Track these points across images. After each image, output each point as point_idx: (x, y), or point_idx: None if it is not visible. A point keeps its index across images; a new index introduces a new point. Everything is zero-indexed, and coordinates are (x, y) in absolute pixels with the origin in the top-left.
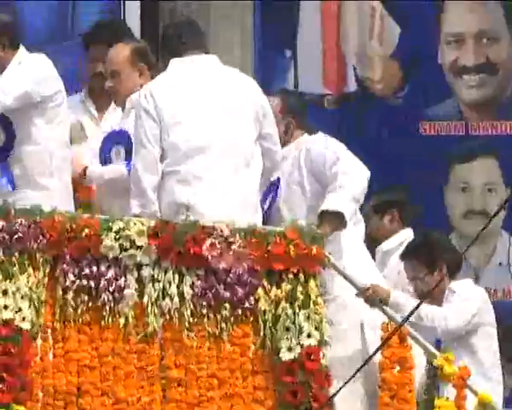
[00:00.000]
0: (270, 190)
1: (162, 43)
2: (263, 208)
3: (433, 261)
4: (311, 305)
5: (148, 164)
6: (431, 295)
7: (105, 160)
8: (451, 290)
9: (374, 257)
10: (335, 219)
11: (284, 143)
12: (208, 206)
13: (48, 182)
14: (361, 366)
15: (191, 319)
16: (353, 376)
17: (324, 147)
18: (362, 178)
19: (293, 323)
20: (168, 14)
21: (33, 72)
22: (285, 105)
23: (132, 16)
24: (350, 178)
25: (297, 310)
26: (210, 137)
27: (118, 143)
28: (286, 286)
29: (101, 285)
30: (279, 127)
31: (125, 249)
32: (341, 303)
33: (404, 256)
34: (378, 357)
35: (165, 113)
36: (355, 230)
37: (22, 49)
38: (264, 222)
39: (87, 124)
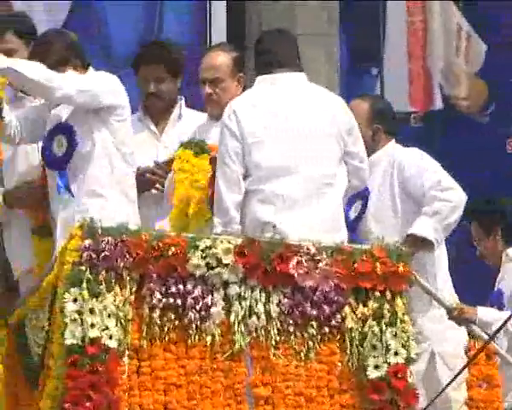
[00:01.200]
0: (356, 199)
1: (255, 55)
2: (348, 217)
3: (489, 225)
4: (398, 323)
5: (231, 182)
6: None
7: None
8: (508, 257)
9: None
10: (423, 244)
11: (372, 150)
12: (292, 225)
13: (107, 193)
14: (446, 386)
15: (278, 337)
16: (439, 395)
17: (422, 165)
18: (460, 207)
19: (380, 341)
20: (255, 14)
21: (102, 79)
22: (373, 110)
23: (219, 16)
24: (449, 206)
25: (384, 328)
26: (293, 157)
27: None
28: (373, 304)
29: (188, 303)
30: (366, 133)
31: (212, 268)
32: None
33: (466, 217)
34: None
35: (247, 132)
36: (441, 248)
37: (91, 69)
38: (350, 231)
39: (148, 140)
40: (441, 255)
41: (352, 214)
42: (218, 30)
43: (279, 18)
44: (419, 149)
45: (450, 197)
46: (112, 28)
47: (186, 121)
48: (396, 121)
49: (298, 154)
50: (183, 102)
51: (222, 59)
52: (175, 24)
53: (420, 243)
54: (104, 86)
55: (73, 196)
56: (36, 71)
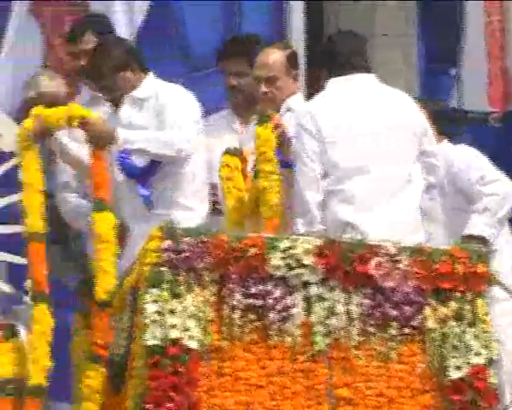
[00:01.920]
0: None
1: (328, 57)
2: None
3: None
4: (479, 323)
5: (310, 182)
6: None
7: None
8: None
9: None
10: (480, 242)
11: None
12: (372, 225)
13: (189, 203)
14: None
15: (358, 338)
16: None
17: (469, 161)
18: (508, 197)
19: (461, 341)
20: (333, 15)
21: (192, 112)
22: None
23: (296, 16)
24: (497, 199)
25: (464, 328)
26: (370, 157)
27: None
28: (453, 305)
29: (268, 304)
30: None
31: (292, 268)
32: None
33: None
34: None
35: (324, 132)
36: (508, 248)
37: (151, 75)
38: None
39: (229, 138)
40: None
41: None
42: (296, 30)
43: (357, 18)
44: (498, 149)
45: (496, 190)
46: (190, 28)
47: None
48: (448, 123)
49: (376, 154)
50: None
51: (276, 57)
52: (254, 23)
53: (477, 242)
54: (196, 117)
55: (151, 209)
56: (152, 143)
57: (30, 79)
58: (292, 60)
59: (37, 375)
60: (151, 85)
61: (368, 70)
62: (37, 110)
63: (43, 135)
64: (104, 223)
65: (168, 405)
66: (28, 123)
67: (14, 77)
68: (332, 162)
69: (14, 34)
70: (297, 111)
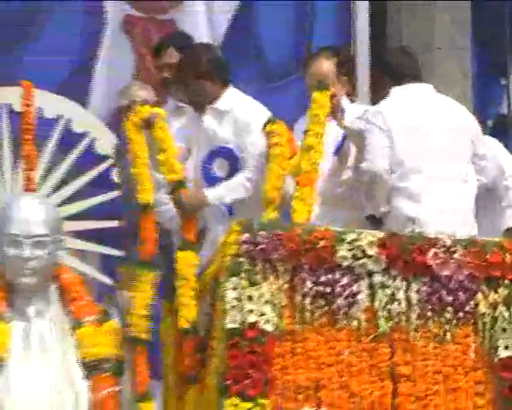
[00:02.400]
0: None
1: (390, 68)
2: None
3: None
4: None
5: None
6: None
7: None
8: None
9: None
10: None
11: None
12: (432, 220)
13: None
14: None
15: (417, 322)
16: None
17: (491, 155)
18: None
19: (510, 324)
20: (395, 14)
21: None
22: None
23: (362, 15)
24: None
25: None
26: (432, 156)
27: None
28: (502, 291)
29: (336, 291)
30: None
31: (358, 258)
32: None
33: None
34: None
35: (393, 131)
36: None
37: (232, 88)
38: None
39: None
40: None
41: None
42: (361, 30)
43: (418, 19)
44: None
45: None
46: (263, 29)
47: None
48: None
49: (437, 154)
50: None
51: (326, 66)
52: (323, 24)
53: None
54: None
55: (231, 215)
56: (236, 191)
57: (123, 89)
58: (341, 67)
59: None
60: (231, 99)
61: (421, 80)
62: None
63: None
64: (186, 262)
65: (246, 381)
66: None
67: (108, 87)
68: (398, 160)
69: (109, 49)
70: (368, 111)
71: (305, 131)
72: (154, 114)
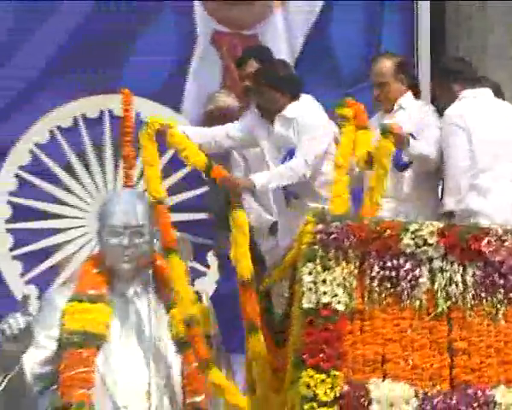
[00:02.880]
0: None
1: (459, 73)
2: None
3: None
4: None
5: (465, 169)
6: None
7: None
8: None
9: None
10: None
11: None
12: (497, 214)
13: (322, 192)
14: None
15: (473, 302)
16: None
17: None
18: None
19: None
20: (453, 14)
21: (321, 140)
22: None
23: (424, 15)
24: None
25: None
26: (499, 157)
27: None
28: None
29: (401, 275)
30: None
31: (419, 246)
32: None
33: None
34: None
35: (472, 131)
36: None
37: (300, 99)
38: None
39: None
40: None
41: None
42: (423, 29)
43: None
44: None
45: None
46: (334, 30)
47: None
48: None
49: (504, 153)
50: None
51: (386, 65)
52: (389, 24)
53: None
54: (323, 147)
55: (296, 198)
56: (282, 178)
57: (210, 95)
58: (399, 67)
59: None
60: (297, 108)
61: (482, 85)
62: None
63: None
64: (238, 221)
65: (320, 356)
66: None
67: (198, 95)
68: (474, 159)
69: (199, 61)
70: (448, 115)
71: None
72: (165, 125)
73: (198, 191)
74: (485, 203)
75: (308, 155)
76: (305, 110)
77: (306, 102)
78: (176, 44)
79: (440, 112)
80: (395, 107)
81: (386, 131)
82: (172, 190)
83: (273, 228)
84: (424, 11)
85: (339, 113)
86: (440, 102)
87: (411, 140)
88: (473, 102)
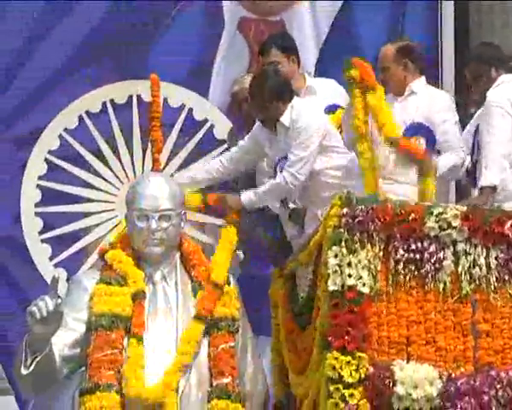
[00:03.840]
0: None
1: (496, 59)
2: None
3: None
4: None
5: (503, 155)
6: None
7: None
8: None
9: None
10: None
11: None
12: None
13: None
14: None
15: (496, 284)
16: None
17: None
18: None
19: None
20: (476, 14)
21: (314, 139)
22: None
23: (447, 15)
24: None
25: None
26: None
27: (417, 134)
28: None
29: (425, 258)
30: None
31: (444, 229)
32: None
33: None
34: None
35: None
36: None
37: (293, 101)
38: None
39: None
40: None
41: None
42: (448, 29)
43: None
44: None
45: None
46: (362, 30)
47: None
48: None
49: None
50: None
51: (386, 50)
52: (411, 24)
53: None
54: (315, 147)
55: None
56: (270, 195)
57: (237, 78)
58: (401, 51)
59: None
60: (291, 113)
61: None
62: None
63: None
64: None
65: (346, 337)
66: None
67: (225, 80)
68: None
69: (226, 47)
70: (494, 98)
71: None
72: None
73: None
74: None
75: (295, 165)
76: (298, 115)
77: (298, 105)
78: (204, 30)
79: (464, 104)
80: (406, 91)
81: (393, 143)
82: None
83: (292, 214)
84: (448, 11)
85: (346, 75)
86: (476, 90)
87: (438, 162)
88: (508, 88)
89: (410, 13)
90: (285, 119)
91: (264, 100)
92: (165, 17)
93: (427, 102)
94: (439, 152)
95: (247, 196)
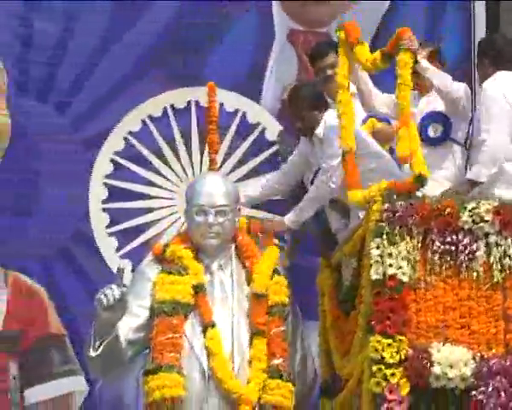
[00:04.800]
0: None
1: (496, 53)
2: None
3: None
4: None
5: (503, 144)
6: None
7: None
8: None
9: None
10: None
11: None
12: None
13: None
14: None
15: None
16: None
17: None
18: None
19: None
20: (506, 13)
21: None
22: None
23: (479, 15)
24: None
25: None
26: None
27: (435, 121)
28: None
29: (459, 249)
30: None
31: (477, 223)
32: None
33: None
34: None
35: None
36: None
37: (327, 112)
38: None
39: None
40: None
41: (432, 133)
42: (479, 29)
43: None
44: None
45: None
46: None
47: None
48: None
49: None
50: None
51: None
52: (446, 24)
53: None
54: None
55: None
56: (310, 207)
57: (287, 86)
58: (431, 56)
59: None
60: (324, 124)
61: None
62: None
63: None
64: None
65: (387, 322)
66: None
67: (276, 87)
68: None
69: (277, 56)
70: (492, 91)
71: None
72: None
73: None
74: None
75: (325, 174)
76: (330, 126)
77: (330, 117)
78: (256, 40)
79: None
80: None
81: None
82: (251, 174)
83: (333, 203)
84: (480, 12)
85: (336, 37)
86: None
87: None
88: (506, 81)
89: (445, 14)
90: (319, 130)
91: (299, 109)
92: (224, 27)
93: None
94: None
95: (289, 217)
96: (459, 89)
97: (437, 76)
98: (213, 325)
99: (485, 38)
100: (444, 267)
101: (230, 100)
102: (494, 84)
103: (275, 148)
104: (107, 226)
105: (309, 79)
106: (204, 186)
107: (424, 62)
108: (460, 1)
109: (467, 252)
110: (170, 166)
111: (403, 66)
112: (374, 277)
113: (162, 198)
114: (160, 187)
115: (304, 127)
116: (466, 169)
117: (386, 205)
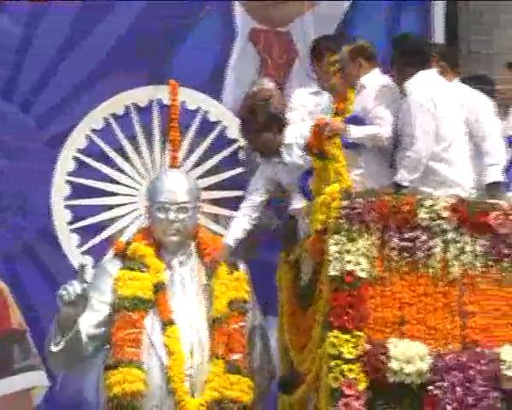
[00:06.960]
0: None
1: (414, 54)
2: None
3: None
4: None
5: (427, 147)
6: None
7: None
8: None
9: None
10: None
11: None
12: (463, 180)
13: None
14: None
15: (481, 269)
16: None
17: None
18: None
19: None
20: (464, 15)
21: None
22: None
23: (438, 16)
24: None
25: None
26: (459, 131)
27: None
28: None
29: (417, 246)
30: None
31: (434, 220)
32: None
33: None
34: None
35: (439, 112)
36: None
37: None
38: None
39: None
40: None
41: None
42: (438, 30)
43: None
44: None
45: None
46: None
47: None
48: None
49: (459, 128)
50: None
51: (342, 52)
52: (406, 25)
53: None
54: None
55: None
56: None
57: (255, 80)
58: (353, 52)
59: None
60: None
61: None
62: None
63: None
64: None
65: (345, 318)
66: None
67: (237, 85)
68: (441, 136)
69: (238, 55)
70: (417, 95)
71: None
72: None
73: (235, 172)
74: (455, 172)
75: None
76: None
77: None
78: (218, 40)
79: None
80: (357, 86)
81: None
82: (212, 171)
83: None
84: (439, 13)
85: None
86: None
87: (351, 127)
88: (430, 82)
89: (404, 15)
90: (287, 139)
91: (253, 130)
92: (186, 28)
93: (373, 95)
94: None
95: (229, 237)
96: (388, 130)
97: (367, 137)
98: (172, 323)
99: (400, 36)
100: (401, 264)
101: (192, 98)
102: (419, 87)
103: (235, 146)
104: (70, 223)
105: (269, 79)
106: (165, 183)
107: (353, 130)
108: (419, 1)
109: (424, 248)
110: (132, 164)
111: (334, 147)
112: (332, 273)
113: (124, 195)
114: (123, 184)
115: (258, 149)
116: (391, 167)
117: (345, 202)
